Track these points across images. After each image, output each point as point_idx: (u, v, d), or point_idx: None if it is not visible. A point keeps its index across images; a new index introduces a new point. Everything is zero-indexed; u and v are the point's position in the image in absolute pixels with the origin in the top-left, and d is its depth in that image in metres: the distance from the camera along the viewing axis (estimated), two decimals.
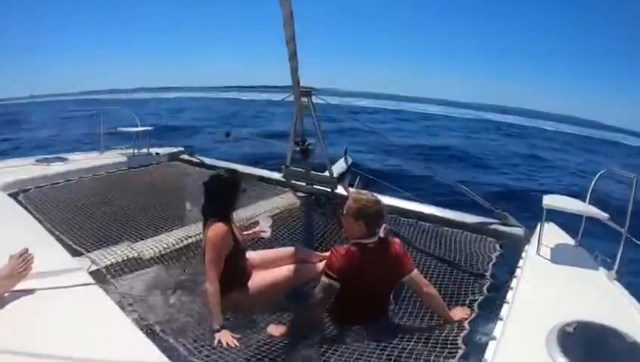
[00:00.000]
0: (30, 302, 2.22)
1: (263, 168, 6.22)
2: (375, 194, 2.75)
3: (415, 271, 2.70)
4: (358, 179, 5.78)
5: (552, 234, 3.48)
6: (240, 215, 3.19)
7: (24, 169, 5.39)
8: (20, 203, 4.26)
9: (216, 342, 2.47)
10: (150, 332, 2.38)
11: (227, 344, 2.45)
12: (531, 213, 4.07)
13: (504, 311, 2.51)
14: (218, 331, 2.53)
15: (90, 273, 2.86)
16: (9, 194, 4.41)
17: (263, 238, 3.56)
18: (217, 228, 2.80)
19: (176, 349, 2.29)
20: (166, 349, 2.20)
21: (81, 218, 4.14)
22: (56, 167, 5.60)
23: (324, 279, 2.61)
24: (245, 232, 3.48)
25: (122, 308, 2.38)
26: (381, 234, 2.71)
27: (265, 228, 3.45)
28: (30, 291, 2.28)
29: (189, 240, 3.66)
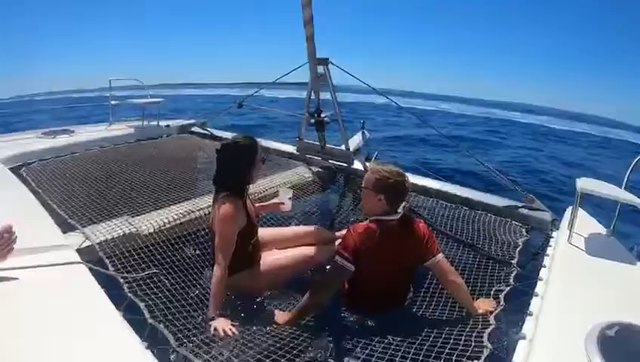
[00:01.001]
0: (11, 283, 2.02)
1: (276, 141, 6.01)
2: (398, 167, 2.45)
3: (441, 256, 2.42)
4: (376, 154, 5.53)
5: (582, 222, 3.11)
6: (250, 190, 2.95)
7: (29, 142, 5.28)
8: (20, 176, 4.08)
9: (212, 329, 2.22)
10: (140, 318, 2.15)
11: (224, 332, 2.20)
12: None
13: (534, 305, 2.24)
14: (213, 319, 2.28)
15: (82, 249, 2.66)
16: (11, 168, 4.23)
17: (282, 212, 3.32)
18: (229, 206, 2.53)
19: (166, 339, 2.06)
20: (155, 336, 2.03)
21: (81, 192, 3.93)
22: (62, 140, 5.48)
23: (337, 259, 2.36)
24: (261, 203, 3.23)
25: (111, 289, 2.15)
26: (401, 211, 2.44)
27: (285, 200, 3.14)
28: (9, 270, 2.06)
29: (193, 215, 3.42)
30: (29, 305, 1.89)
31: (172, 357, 1.93)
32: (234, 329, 2.23)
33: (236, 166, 2.64)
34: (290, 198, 3.15)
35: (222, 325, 2.24)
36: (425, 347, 2.09)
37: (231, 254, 2.51)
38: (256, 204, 3.11)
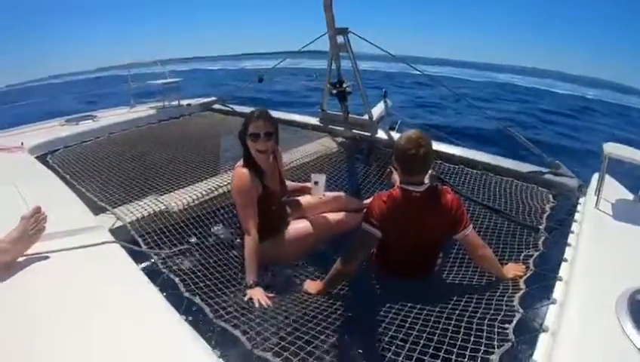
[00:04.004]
0: (43, 265, 2.02)
1: (298, 113, 5.95)
2: (425, 134, 2.33)
3: (470, 229, 2.34)
4: (399, 123, 5.45)
5: (609, 187, 3.04)
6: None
7: (53, 130, 5.30)
8: (46, 164, 4.11)
9: (246, 298, 2.23)
10: (175, 292, 2.18)
11: (259, 302, 2.20)
12: None
13: (563, 270, 2.23)
14: (250, 287, 2.30)
15: (114, 230, 2.68)
16: (37, 157, 4.27)
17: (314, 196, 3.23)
18: (237, 173, 2.58)
19: (202, 310, 2.08)
20: (192, 310, 2.05)
21: (107, 174, 3.97)
22: (85, 126, 5.51)
23: (364, 225, 2.33)
24: (292, 184, 3.24)
25: (145, 266, 2.16)
26: (426, 181, 2.35)
27: (314, 186, 3.10)
28: (45, 254, 2.08)
29: (221, 190, 3.42)
30: (70, 284, 1.91)
31: (209, 328, 1.93)
32: (268, 300, 2.23)
33: (240, 137, 2.67)
34: (318, 183, 3.10)
35: (257, 295, 2.25)
36: (457, 311, 2.09)
37: (255, 220, 2.52)
38: (288, 183, 3.10)
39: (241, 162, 2.66)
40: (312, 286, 2.47)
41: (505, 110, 16.02)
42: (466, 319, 2.01)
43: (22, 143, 4.47)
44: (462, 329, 1.94)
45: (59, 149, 4.75)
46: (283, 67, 5.89)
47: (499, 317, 1.97)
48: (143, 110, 6.32)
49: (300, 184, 3.31)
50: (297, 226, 2.88)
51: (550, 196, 3.50)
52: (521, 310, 2.01)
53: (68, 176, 3.79)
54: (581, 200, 3.24)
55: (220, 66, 46.63)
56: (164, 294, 1.96)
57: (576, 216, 2.93)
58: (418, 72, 5.01)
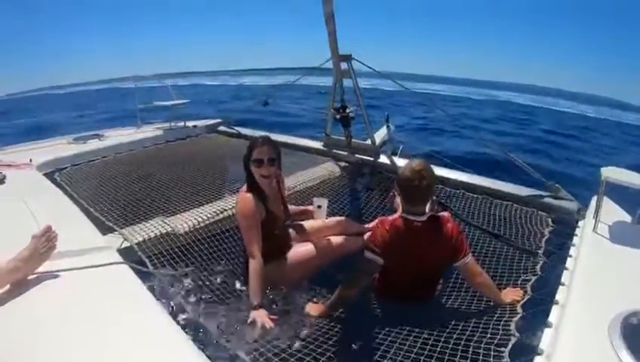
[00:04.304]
0: (54, 284, 2.08)
1: (303, 137, 6.03)
2: (428, 165, 2.40)
3: (470, 257, 2.41)
4: (401, 148, 5.53)
5: (608, 210, 3.09)
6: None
7: (61, 148, 5.39)
8: (54, 181, 4.19)
9: (250, 320, 2.28)
10: (181, 312, 2.24)
11: (262, 324, 2.25)
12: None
13: (560, 294, 2.27)
14: (255, 309, 2.34)
15: (121, 250, 2.74)
16: (45, 174, 4.35)
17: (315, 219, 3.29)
18: (241, 198, 2.66)
19: (208, 330, 2.14)
20: (197, 330, 2.12)
21: (115, 194, 4.04)
22: (93, 145, 5.59)
23: (366, 253, 2.40)
24: (295, 208, 3.30)
25: (153, 286, 2.22)
26: (427, 210, 2.41)
27: (316, 209, 3.20)
28: (55, 273, 2.14)
29: (227, 213, 3.48)
30: (80, 303, 1.96)
31: (215, 348, 1.99)
32: (270, 322, 2.28)
33: (243, 163, 2.74)
34: (321, 207, 3.20)
35: (261, 316, 2.29)
36: (454, 335, 2.15)
37: (259, 244, 2.58)
38: (290, 207, 3.16)
39: (245, 187, 2.73)
40: (314, 308, 2.52)
41: (504, 131, 16.13)
42: (463, 342, 2.07)
43: (30, 160, 4.54)
44: (459, 353, 2.00)
45: (66, 167, 4.83)
46: (283, 83, 5.96)
47: (495, 341, 2.03)
48: (149, 130, 6.41)
49: (302, 207, 3.37)
50: (300, 250, 2.92)
51: (549, 220, 3.55)
52: (517, 333, 2.07)
53: (75, 195, 3.84)
54: (580, 223, 3.27)
55: (219, 82, 46.80)
56: (171, 314, 2.02)
57: (575, 239, 2.97)
58: (417, 91, 5.08)
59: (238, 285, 2.74)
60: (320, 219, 3.21)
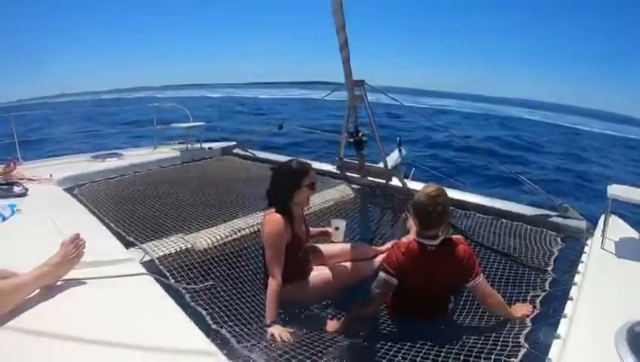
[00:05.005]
0: (82, 290, 2.17)
1: (316, 160, 6.10)
2: (443, 191, 2.52)
3: (481, 278, 2.49)
4: (413, 171, 5.60)
5: (616, 228, 3.21)
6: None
7: (80, 165, 5.54)
8: (74, 196, 4.32)
9: (268, 335, 2.36)
10: (203, 324, 2.30)
11: (280, 338, 2.33)
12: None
13: (568, 308, 2.34)
14: (269, 326, 2.43)
15: (143, 263, 2.82)
16: (65, 189, 4.48)
17: (333, 241, 3.38)
18: (270, 219, 2.74)
19: (229, 342, 2.20)
20: (219, 341, 2.15)
21: (134, 211, 4.14)
22: (111, 163, 5.72)
23: (381, 274, 2.50)
24: (314, 229, 3.37)
25: (174, 298, 2.30)
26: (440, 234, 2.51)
27: (334, 231, 3.30)
28: (82, 280, 2.23)
29: (243, 232, 3.57)
30: (108, 311, 2.03)
31: (236, 358, 2.04)
32: (288, 336, 2.35)
33: (280, 186, 2.84)
34: (338, 228, 3.28)
35: (278, 331, 2.37)
36: (465, 348, 2.22)
37: (281, 265, 2.66)
38: (310, 229, 3.23)
39: (272, 209, 2.81)
40: (331, 325, 2.61)
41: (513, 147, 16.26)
42: (474, 354, 2.13)
43: (50, 175, 4.67)
44: None
45: (86, 183, 4.95)
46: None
47: (505, 352, 2.10)
48: (166, 151, 6.54)
49: (321, 229, 3.45)
50: (320, 273, 3.00)
51: (559, 239, 3.62)
52: (526, 345, 2.14)
53: (96, 210, 3.94)
54: (589, 241, 3.34)
55: (223, 94, 47.10)
56: (195, 325, 2.06)
57: (583, 257, 3.04)
58: (424, 118, 5.17)
59: (256, 299, 2.82)
60: (338, 240, 3.31)
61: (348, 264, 3.16)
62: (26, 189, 4.01)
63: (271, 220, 2.74)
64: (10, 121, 5.48)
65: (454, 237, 2.62)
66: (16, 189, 3.97)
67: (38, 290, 2.07)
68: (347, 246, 3.35)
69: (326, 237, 3.38)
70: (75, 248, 2.24)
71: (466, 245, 2.56)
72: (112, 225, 3.59)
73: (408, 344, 2.31)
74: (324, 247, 3.28)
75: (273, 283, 2.58)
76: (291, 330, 2.43)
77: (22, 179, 4.35)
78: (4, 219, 3.19)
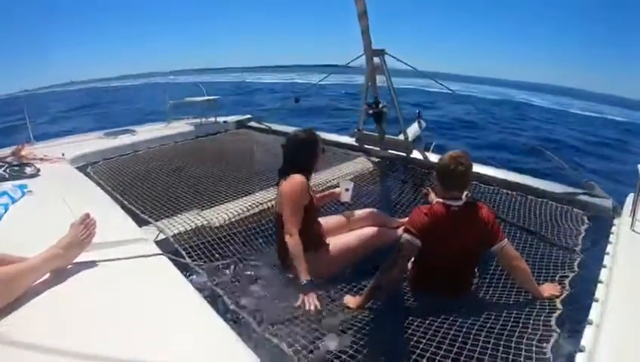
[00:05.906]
0: (95, 272, 2.08)
1: (334, 133, 6.01)
2: (466, 154, 2.45)
3: (506, 241, 2.40)
4: (433, 144, 5.45)
5: None
6: (313, 180, 3.05)
7: (92, 142, 5.44)
8: (87, 175, 4.23)
9: (299, 301, 2.32)
10: (219, 303, 2.22)
11: (309, 307, 2.28)
12: None
13: (600, 292, 2.24)
14: (305, 287, 2.38)
15: (158, 242, 2.73)
16: (77, 168, 4.39)
17: (341, 202, 3.36)
18: (293, 179, 2.69)
19: (246, 321, 2.12)
20: (235, 321, 2.10)
21: (148, 188, 4.07)
22: (124, 139, 5.62)
23: (404, 235, 2.41)
24: (321, 194, 3.29)
25: (190, 277, 2.20)
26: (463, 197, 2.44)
27: (344, 191, 3.20)
28: (95, 261, 2.13)
29: (260, 207, 3.47)
30: (122, 293, 1.95)
31: (255, 339, 1.98)
32: (318, 304, 2.31)
33: (301, 156, 2.80)
34: (348, 189, 3.20)
35: (312, 298, 2.34)
36: (495, 329, 2.12)
37: (298, 224, 2.60)
38: (317, 195, 3.14)
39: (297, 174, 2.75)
40: (351, 301, 2.50)
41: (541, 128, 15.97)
42: (504, 337, 2.04)
43: (63, 154, 4.58)
44: (501, 347, 1.97)
45: (99, 161, 4.87)
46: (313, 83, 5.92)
47: (537, 337, 2.01)
48: (180, 126, 6.43)
49: (328, 191, 3.37)
50: (336, 242, 2.91)
51: (585, 218, 3.48)
52: (558, 330, 2.05)
53: (109, 188, 3.87)
54: (616, 221, 3.23)
55: (240, 79, 46.95)
56: (210, 305, 1.98)
57: (611, 237, 2.94)
58: (450, 91, 5.04)
59: (275, 276, 2.75)
60: (346, 200, 3.24)
61: (365, 230, 3.09)
62: (38, 169, 3.93)
63: (293, 179, 2.69)
64: (22, 102, 5.39)
65: (477, 201, 2.58)
66: (28, 170, 3.90)
67: (48, 274, 1.97)
68: (364, 213, 3.31)
69: (334, 197, 3.32)
70: (85, 228, 2.13)
71: (489, 209, 2.50)
72: (126, 203, 3.52)
73: (435, 322, 2.23)
74: (340, 217, 3.24)
75: (293, 240, 2.54)
76: (322, 293, 2.42)
77: (34, 159, 4.27)
78: (13, 201, 3.09)
